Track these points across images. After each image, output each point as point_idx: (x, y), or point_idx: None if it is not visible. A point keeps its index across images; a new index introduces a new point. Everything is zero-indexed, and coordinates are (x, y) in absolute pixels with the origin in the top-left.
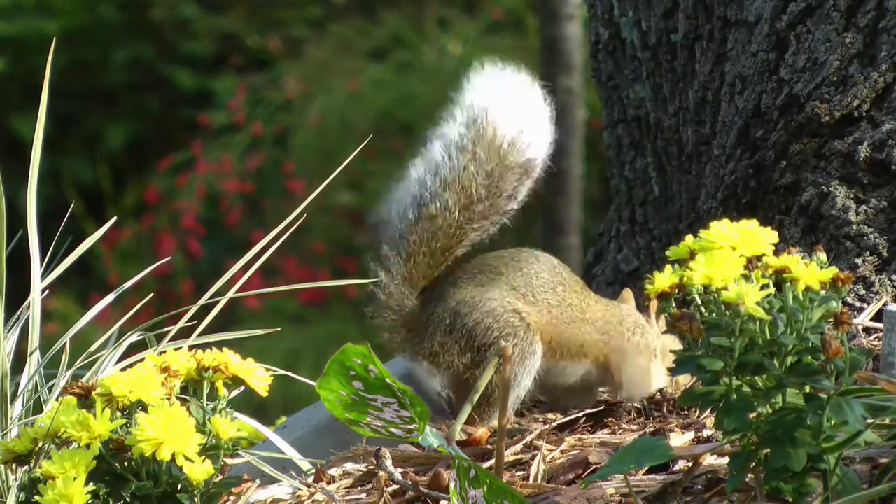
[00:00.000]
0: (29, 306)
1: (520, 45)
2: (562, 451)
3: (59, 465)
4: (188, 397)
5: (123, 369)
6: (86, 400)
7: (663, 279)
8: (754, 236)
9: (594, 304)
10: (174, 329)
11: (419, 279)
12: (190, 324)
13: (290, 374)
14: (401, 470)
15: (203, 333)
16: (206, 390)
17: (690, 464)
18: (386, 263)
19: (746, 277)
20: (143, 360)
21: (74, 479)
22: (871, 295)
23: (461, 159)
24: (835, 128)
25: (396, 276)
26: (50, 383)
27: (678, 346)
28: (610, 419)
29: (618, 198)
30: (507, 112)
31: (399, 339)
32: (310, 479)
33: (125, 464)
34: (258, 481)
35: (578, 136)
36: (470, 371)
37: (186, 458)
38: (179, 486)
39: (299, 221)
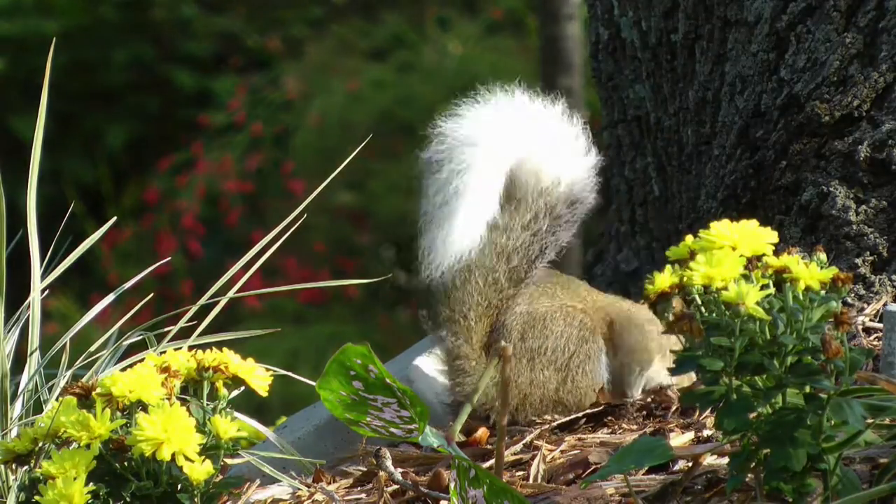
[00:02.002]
0: (29, 306)
1: (520, 45)
2: (562, 451)
3: (59, 465)
4: (188, 397)
5: (123, 369)
6: (86, 400)
7: (663, 279)
8: (754, 236)
9: (601, 297)
10: (174, 329)
11: (485, 334)
12: (190, 324)
13: (290, 374)
14: (401, 470)
15: (203, 333)
16: (206, 390)
17: (690, 464)
18: (464, 334)
19: (746, 277)
20: (143, 360)
21: (74, 479)
22: (871, 295)
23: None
24: (835, 128)
25: (475, 343)
26: (50, 383)
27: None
28: (610, 419)
29: (618, 198)
30: (544, 156)
31: (481, 401)
32: (310, 479)
33: (125, 464)
34: (258, 481)
35: None
36: (563, 387)
37: (186, 458)
38: (179, 486)
39: (299, 221)
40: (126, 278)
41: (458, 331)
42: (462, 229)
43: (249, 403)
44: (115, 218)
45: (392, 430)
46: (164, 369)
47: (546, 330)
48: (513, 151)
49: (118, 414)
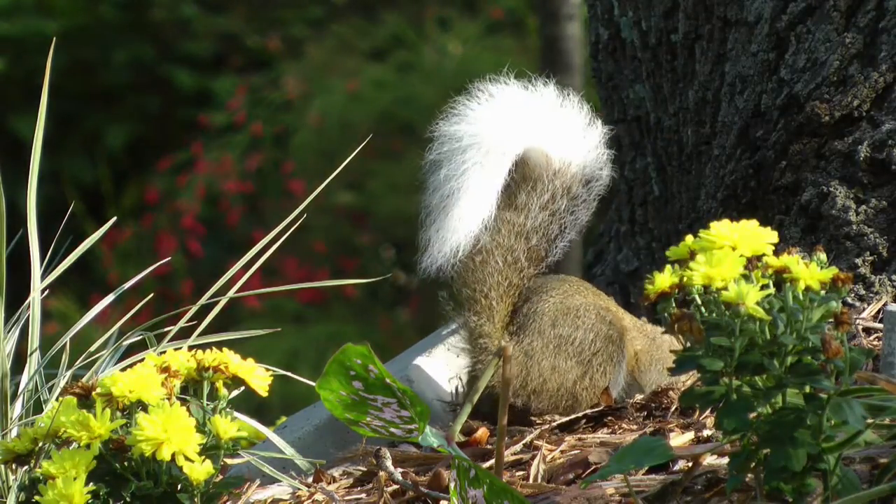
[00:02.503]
0: (29, 306)
1: (520, 46)
2: (562, 451)
3: (59, 465)
4: (188, 397)
5: (123, 369)
6: (86, 400)
7: (663, 279)
8: (754, 236)
9: (629, 317)
10: (174, 329)
11: (507, 314)
12: (190, 324)
13: (289, 374)
14: (401, 470)
15: (203, 333)
16: (206, 390)
17: (690, 464)
18: (486, 313)
19: (746, 277)
20: (143, 360)
21: (74, 479)
22: (871, 295)
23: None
24: (835, 128)
25: (497, 323)
26: (50, 383)
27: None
28: (610, 419)
29: (618, 198)
30: (548, 138)
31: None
32: (310, 479)
33: (125, 464)
34: (258, 481)
35: None
36: (580, 382)
37: (186, 458)
38: (179, 486)
39: (299, 221)
40: (126, 278)
41: (480, 310)
42: (457, 225)
43: (249, 403)
44: (115, 218)
45: (392, 430)
46: (164, 369)
47: (578, 320)
48: (513, 146)
49: (118, 414)
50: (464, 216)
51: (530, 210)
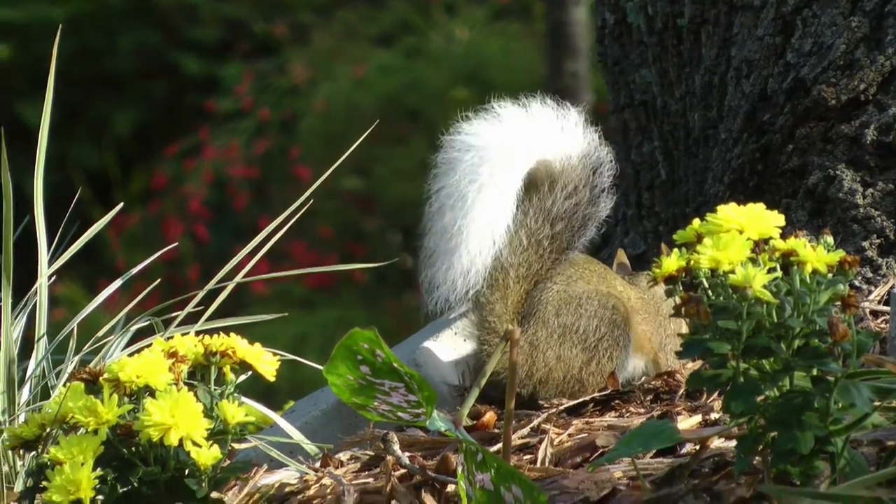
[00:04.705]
0: (36, 292)
1: (527, 30)
2: (569, 435)
3: (66, 450)
4: (196, 382)
5: (131, 354)
6: (93, 385)
7: (670, 263)
8: (761, 219)
9: (634, 294)
10: (181, 314)
11: (520, 301)
12: (197, 309)
13: (297, 358)
14: (408, 454)
15: (210, 318)
16: (213, 375)
17: (698, 447)
18: (500, 291)
19: (753, 261)
20: (150, 345)
21: (82, 464)
22: (878, 278)
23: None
24: (841, 111)
25: (509, 305)
26: (57, 369)
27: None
28: (617, 402)
29: (624, 182)
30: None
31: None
32: (317, 464)
33: (133, 449)
34: (266, 466)
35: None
36: (587, 368)
37: (194, 443)
38: (187, 471)
39: (306, 206)
40: (133, 264)
41: (495, 286)
42: (467, 263)
43: (257, 388)
44: (122, 203)
45: (399, 414)
46: (172, 354)
47: (581, 309)
48: (514, 178)
49: (125, 399)
50: (474, 254)
51: (556, 198)
